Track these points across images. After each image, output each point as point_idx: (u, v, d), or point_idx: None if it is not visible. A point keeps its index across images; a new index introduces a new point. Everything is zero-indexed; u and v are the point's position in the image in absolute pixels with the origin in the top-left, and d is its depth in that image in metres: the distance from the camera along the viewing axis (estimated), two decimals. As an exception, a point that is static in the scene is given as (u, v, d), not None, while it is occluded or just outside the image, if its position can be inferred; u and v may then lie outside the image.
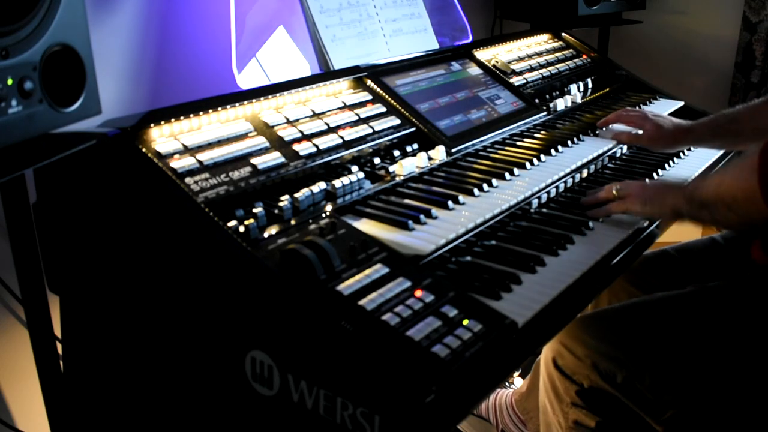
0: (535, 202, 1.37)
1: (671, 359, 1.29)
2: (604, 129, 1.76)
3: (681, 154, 1.75)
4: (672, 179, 1.60)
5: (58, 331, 1.26)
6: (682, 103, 2.10)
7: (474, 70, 1.83)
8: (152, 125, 1.14)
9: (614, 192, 1.35)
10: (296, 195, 1.15)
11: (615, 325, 1.38)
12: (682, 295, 1.39)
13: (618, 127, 1.75)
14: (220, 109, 1.25)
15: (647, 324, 1.36)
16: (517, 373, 2.02)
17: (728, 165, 1.26)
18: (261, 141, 1.24)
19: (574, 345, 1.38)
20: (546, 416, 1.51)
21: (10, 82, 0.88)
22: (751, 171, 1.12)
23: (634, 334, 1.35)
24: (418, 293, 0.97)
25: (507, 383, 1.96)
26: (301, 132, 1.31)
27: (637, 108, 1.84)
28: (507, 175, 1.42)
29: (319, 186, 1.20)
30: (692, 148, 1.81)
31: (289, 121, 1.32)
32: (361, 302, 0.93)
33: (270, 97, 1.34)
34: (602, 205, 1.36)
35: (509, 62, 1.94)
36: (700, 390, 1.27)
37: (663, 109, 2.03)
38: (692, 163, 1.73)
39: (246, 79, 1.54)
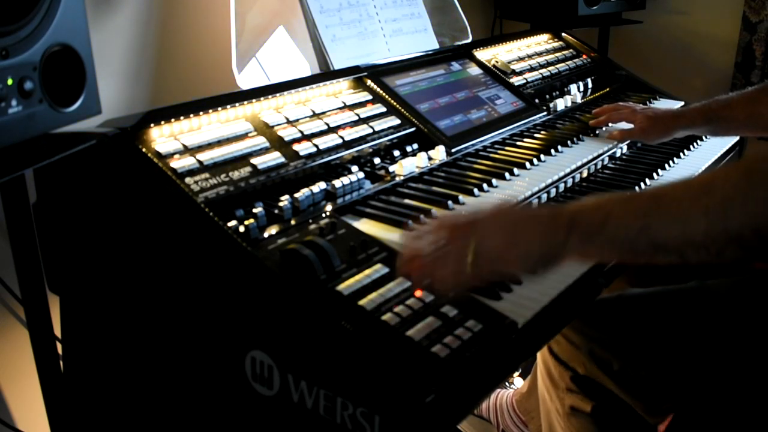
0: (535, 202, 1.37)
1: (668, 352, 1.30)
2: (603, 128, 1.76)
3: (681, 153, 1.75)
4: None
5: (58, 331, 1.26)
6: (682, 103, 2.09)
7: (474, 70, 1.83)
8: (152, 125, 1.14)
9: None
10: (296, 195, 1.15)
11: (613, 315, 1.38)
12: (682, 290, 1.39)
13: (611, 126, 1.75)
14: (220, 109, 1.25)
15: (645, 315, 1.36)
16: (517, 373, 2.03)
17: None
18: (261, 141, 1.24)
19: (571, 332, 1.38)
20: (545, 404, 1.52)
21: (10, 82, 0.88)
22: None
23: (632, 324, 1.35)
24: (418, 293, 0.97)
25: (507, 383, 1.96)
26: (301, 132, 1.31)
27: (630, 103, 1.84)
28: (507, 175, 1.42)
29: (319, 186, 1.20)
30: (692, 148, 1.81)
31: (289, 121, 1.32)
32: (361, 302, 0.93)
33: (270, 97, 1.34)
34: None
35: (509, 62, 1.94)
36: (695, 385, 1.27)
37: (663, 109, 2.03)
38: (692, 162, 1.73)
39: (246, 79, 1.54)
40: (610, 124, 1.75)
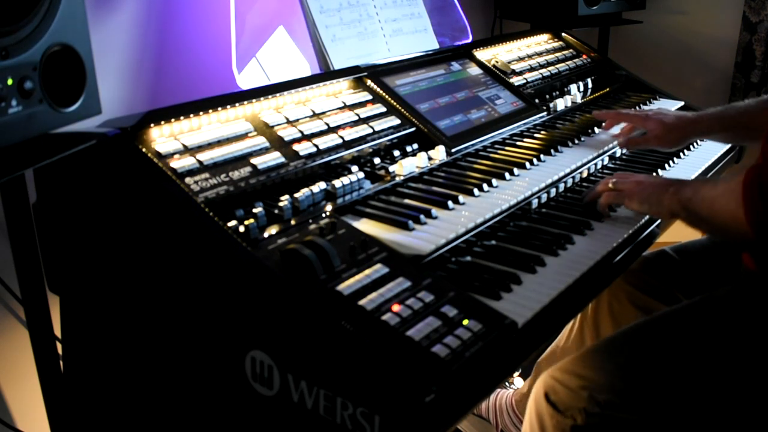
0: (535, 202, 1.37)
1: (675, 386, 1.21)
2: (611, 130, 1.75)
3: (681, 153, 1.75)
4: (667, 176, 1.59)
5: (58, 331, 1.26)
6: (682, 103, 2.10)
7: (474, 70, 1.83)
8: (152, 125, 1.14)
9: (610, 185, 1.36)
10: (296, 195, 1.15)
11: (613, 355, 1.28)
12: (679, 312, 1.31)
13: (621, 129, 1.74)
14: (220, 109, 1.25)
15: (646, 351, 1.26)
16: (517, 373, 2.02)
17: (720, 181, 1.22)
18: (261, 141, 1.24)
19: (569, 378, 1.26)
20: None
21: (10, 82, 0.88)
22: (737, 204, 1.11)
23: (634, 363, 1.25)
24: (419, 293, 0.97)
25: (507, 383, 1.96)
26: (301, 132, 1.31)
27: (636, 108, 1.83)
28: (507, 175, 1.42)
29: (319, 186, 1.20)
30: (692, 148, 1.81)
31: (289, 121, 1.32)
32: (361, 302, 0.93)
33: (270, 97, 1.34)
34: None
35: (509, 62, 1.94)
36: (704, 417, 1.19)
37: (663, 109, 2.03)
38: (692, 162, 1.73)
39: (246, 79, 1.54)
40: (617, 129, 1.74)
